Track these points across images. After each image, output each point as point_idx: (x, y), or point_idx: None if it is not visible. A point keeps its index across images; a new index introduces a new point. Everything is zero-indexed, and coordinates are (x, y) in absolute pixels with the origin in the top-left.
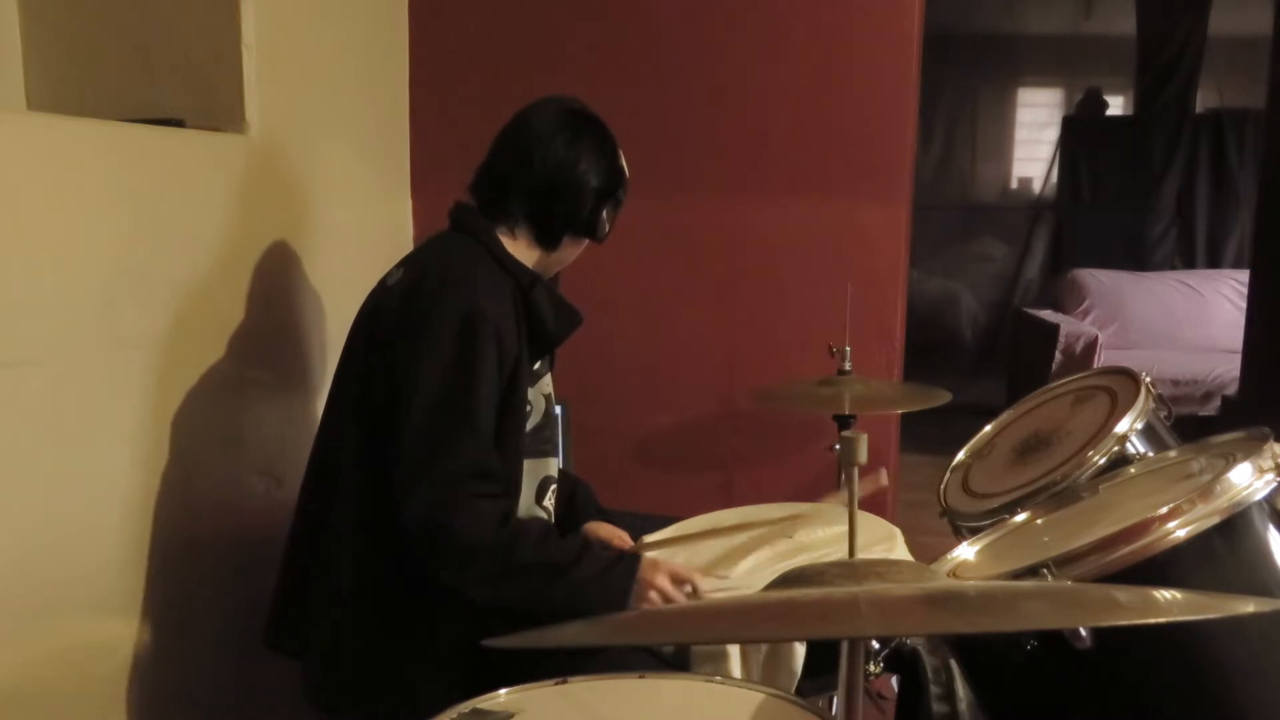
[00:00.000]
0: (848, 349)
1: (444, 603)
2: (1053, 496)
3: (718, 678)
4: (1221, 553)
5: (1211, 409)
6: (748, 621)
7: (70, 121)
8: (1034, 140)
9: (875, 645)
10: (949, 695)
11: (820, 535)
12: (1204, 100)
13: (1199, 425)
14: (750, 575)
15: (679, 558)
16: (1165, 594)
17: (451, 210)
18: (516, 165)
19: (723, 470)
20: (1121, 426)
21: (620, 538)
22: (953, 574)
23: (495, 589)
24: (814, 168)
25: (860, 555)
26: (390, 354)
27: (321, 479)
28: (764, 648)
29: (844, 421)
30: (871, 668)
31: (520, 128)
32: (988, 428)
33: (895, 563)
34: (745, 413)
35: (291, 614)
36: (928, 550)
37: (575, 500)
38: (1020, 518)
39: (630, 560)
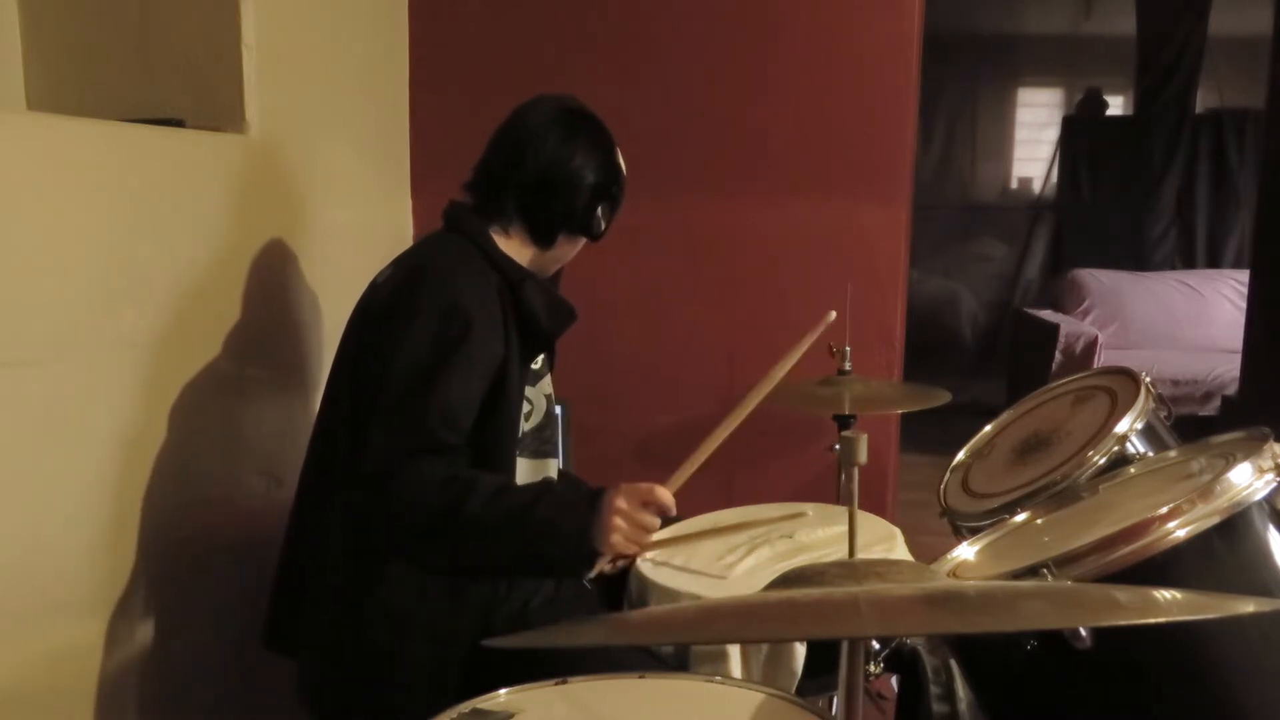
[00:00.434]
0: (848, 349)
1: (442, 602)
2: (1053, 496)
3: (718, 678)
4: (1221, 553)
5: (1211, 409)
6: (748, 621)
7: (70, 121)
8: (1034, 140)
9: (875, 645)
10: (949, 695)
11: (820, 535)
12: (1204, 100)
13: (1199, 425)
14: (750, 575)
15: (678, 558)
16: (1165, 594)
17: (445, 209)
18: (510, 163)
19: (723, 470)
20: (1121, 426)
21: None
22: (953, 574)
23: (450, 552)
24: (814, 168)
25: (860, 555)
26: (373, 351)
27: (316, 478)
28: (764, 647)
29: (844, 421)
30: (871, 668)
31: (515, 125)
32: (988, 428)
33: (895, 563)
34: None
35: (288, 614)
36: (928, 550)
37: None
38: (1020, 518)
39: (591, 497)
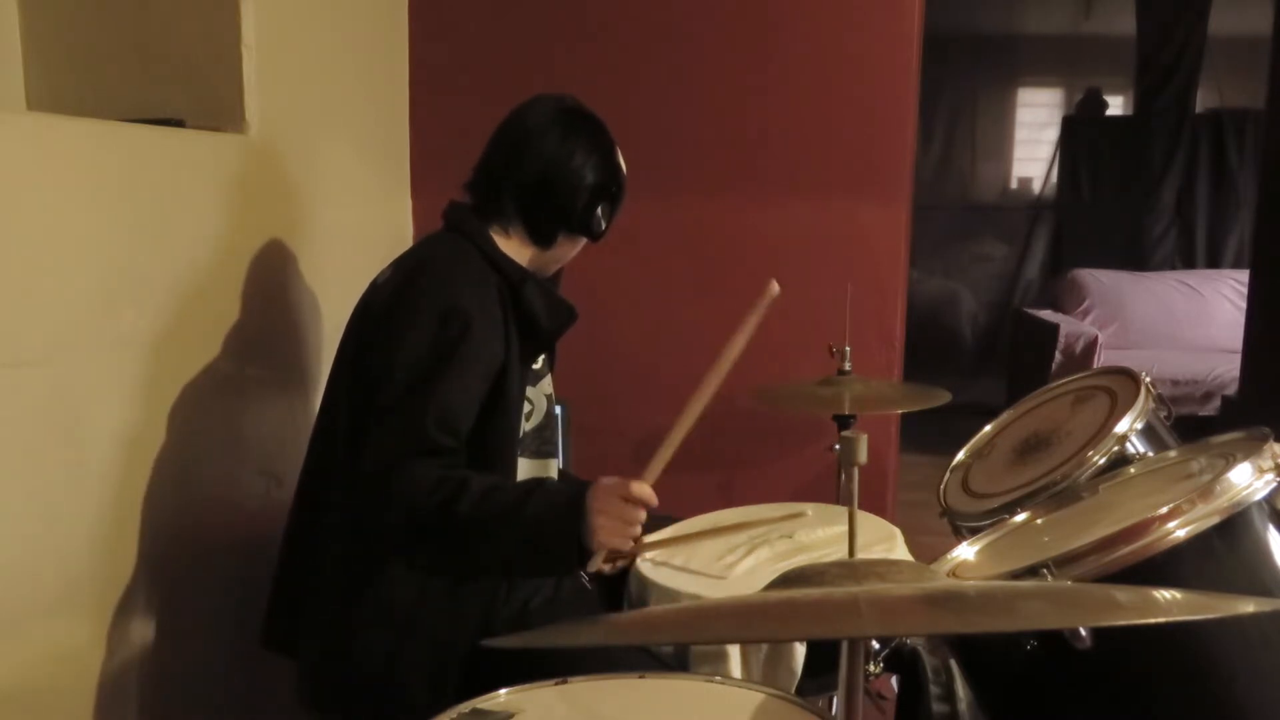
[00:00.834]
0: (848, 349)
1: (441, 603)
2: (1053, 496)
3: (718, 678)
4: (1221, 553)
5: (1211, 409)
6: (748, 622)
7: (70, 121)
8: (1034, 140)
9: (875, 645)
10: (949, 695)
11: (820, 535)
12: (1204, 100)
13: (1199, 425)
14: (750, 575)
15: (678, 558)
16: (1165, 594)
17: (444, 209)
18: (509, 162)
19: (723, 470)
20: (1121, 426)
21: None
22: (953, 574)
23: (446, 550)
24: (814, 168)
25: (860, 555)
26: (373, 352)
27: (316, 479)
28: (764, 647)
29: (844, 421)
30: (871, 668)
31: (513, 125)
32: (988, 428)
33: (895, 563)
34: (745, 413)
35: (286, 614)
36: (928, 550)
37: None
38: (1020, 518)
39: (572, 499)
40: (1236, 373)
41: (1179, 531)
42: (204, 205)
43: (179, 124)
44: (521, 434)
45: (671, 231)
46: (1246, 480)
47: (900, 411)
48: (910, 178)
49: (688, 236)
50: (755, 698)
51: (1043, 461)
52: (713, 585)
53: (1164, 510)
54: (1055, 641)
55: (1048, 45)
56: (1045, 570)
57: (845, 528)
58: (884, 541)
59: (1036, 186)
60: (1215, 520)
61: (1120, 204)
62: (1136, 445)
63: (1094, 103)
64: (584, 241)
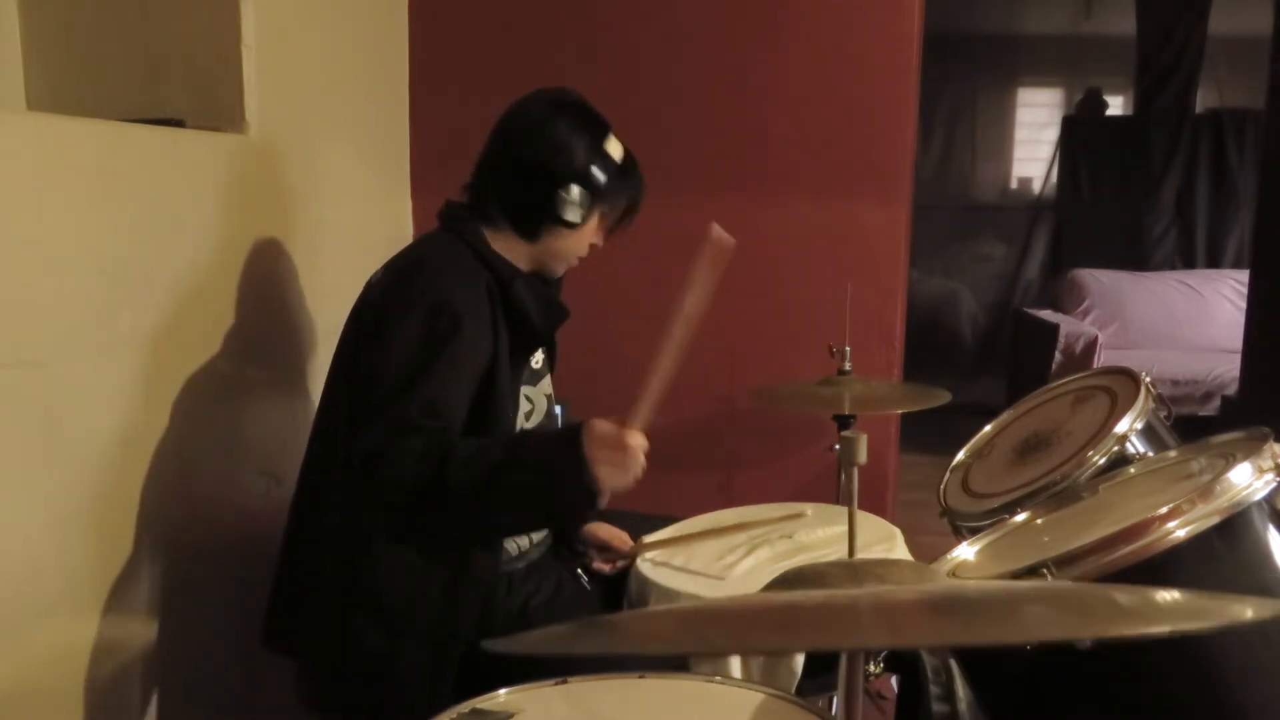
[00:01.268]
0: (848, 349)
1: (439, 602)
2: (1053, 496)
3: (718, 678)
4: (1221, 553)
5: (1211, 409)
6: (746, 632)
7: (70, 121)
8: (1034, 140)
9: None
10: (949, 695)
11: (820, 535)
12: (1204, 100)
13: (1199, 425)
14: (750, 575)
15: (678, 559)
16: (1166, 595)
17: (440, 209)
18: (496, 156)
19: (723, 470)
20: (1121, 426)
21: (620, 539)
22: (953, 574)
23: (446, 520)
24: (814, 168)
25: (860, 555)
26: (367, 351)
27: (316, 478)
28: None
29: (844, 421)
30: (871, 668)
31: (505, 120)
32: (988, 428)
33: (895, 563)
34: (745, 413)
35: (286, 614)
36: (928, 550)
37: None
38: (1020, 518)
39: (573, 442)
40: (1236, 373)
41: (1179, 531)
42: (204, 205)
43: (179, 124)
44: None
45: (671, 231)
46: (1246, 480)
47: (900, 411)
48: (910, 178)
49: (688, 236)
50: (755, 698)
51: (1043, 461)
52: (713, 585)
53: (1164, 510)
54: (1055, 641)
55: (1048, 45)
56: (1045, 570)
57: (845, 528)
58: (884, 541)
59: (1036, 186)
60: (1215, 520)
61: (1120, 204)
62: (1136, 445)
63: (1094, 103)
64: (576, 234)
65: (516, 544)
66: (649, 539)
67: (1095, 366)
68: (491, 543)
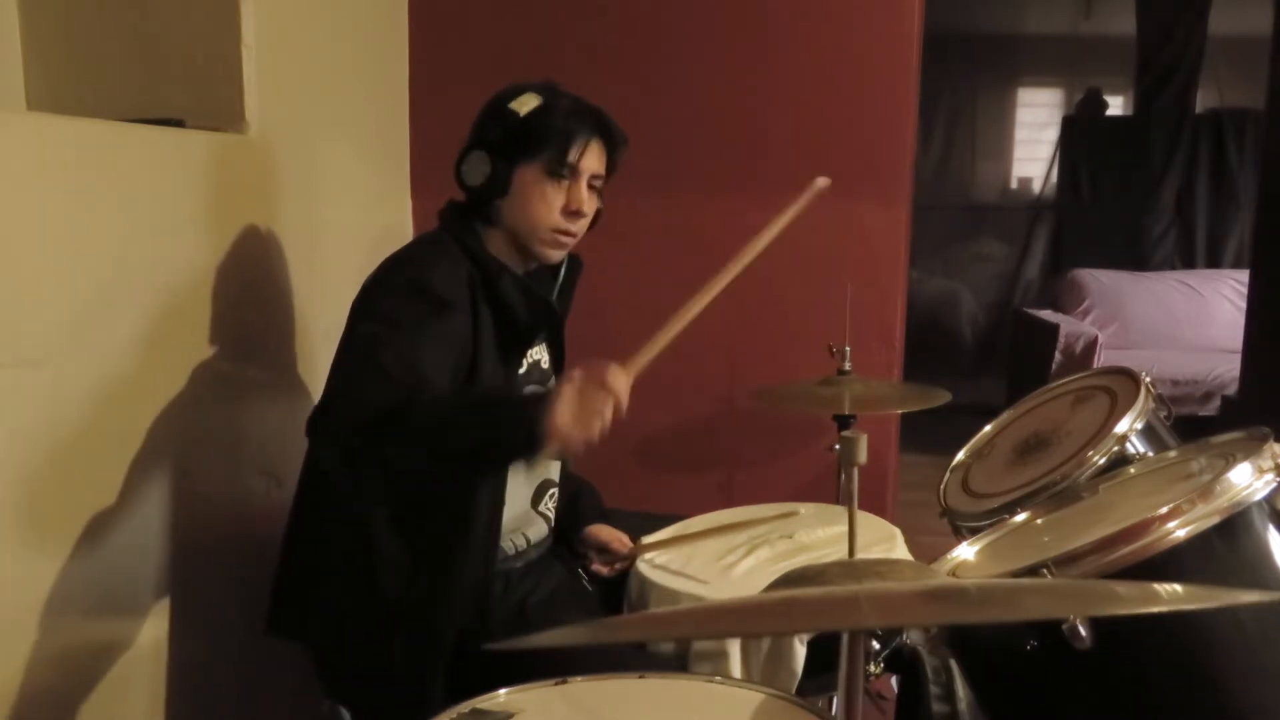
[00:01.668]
0: (848, 349)
1: (427, 594)
2: (1053, 496)
3: (718, 678)
4: (1221, 553)
5: (1211, 409)
6: (749, 617)
7: (70, 121)
8: (1034, 140)
9: (875, 646)
10: (949, 695)
11: (820, 535)
12: (1204, 100)
13: (1199, 425)
14: (750, 575)
15: (678, 559)
16: (1165, 588)
17: (440, 209)
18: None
19: (723, 470)
20: (1121, 426)
21: (620, 540)
22: (953, 574)
23: (397, 447)
24: (814, 168)
25: (860, 555)
26: (349, 332)
27: (315, 475)
28: (764, 647)
29: (844, 421)
30: (871, 668)
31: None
32: (988, 428)
33: (895, 562)
34: (745, 413)
35: (290, 604)
36: (928, 550)
37: (579, 503)
38: (1020, 518)
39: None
40: (1236, 373)
41: (1179, 531)
42: (204, 205)
43: (179, 124)
44: None
45: (671, 231)
46: (1246, 480)
47: (900, 411)
48: (910, 178)
49: (688, 236)
50: (755, 698)
51: (1043, 461)
52: (713, 586)
53: (1164, 510)
54: (1055, 641)
55: (1048, 45)
56: (1045, 570)
57: (845, 528)
58: (884, 541)
59: (1036, 186)
60: (1215, 520)
61: (1120, 204)
62: (1136, 445)
63: (1094, 103)
64: (521, 200)
65: (514, 543)
66: (649, 539)
67: (1095, 366)
68: (445, 480)
